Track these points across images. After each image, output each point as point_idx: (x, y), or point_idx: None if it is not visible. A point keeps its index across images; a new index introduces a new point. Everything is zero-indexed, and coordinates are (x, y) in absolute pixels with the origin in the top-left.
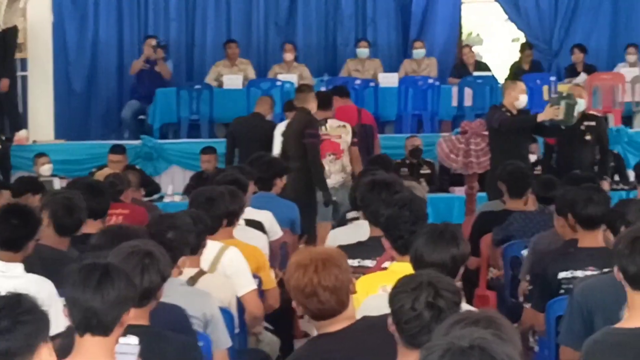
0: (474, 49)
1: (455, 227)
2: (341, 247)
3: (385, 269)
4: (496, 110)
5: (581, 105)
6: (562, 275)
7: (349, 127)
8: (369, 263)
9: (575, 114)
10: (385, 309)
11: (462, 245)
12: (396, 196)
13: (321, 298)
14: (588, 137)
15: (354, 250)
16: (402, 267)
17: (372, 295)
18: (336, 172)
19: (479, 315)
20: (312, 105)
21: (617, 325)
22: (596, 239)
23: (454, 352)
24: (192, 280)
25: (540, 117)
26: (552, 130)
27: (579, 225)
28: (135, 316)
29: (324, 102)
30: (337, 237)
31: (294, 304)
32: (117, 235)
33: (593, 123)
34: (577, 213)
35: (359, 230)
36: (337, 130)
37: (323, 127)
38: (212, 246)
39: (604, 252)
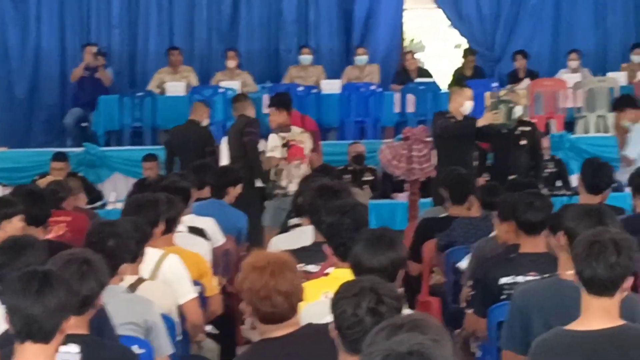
0: (416, 55)
1: (393, 232)
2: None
3: (328, 274)
4: (440, 117)
5: (519, 110)
6: (503, 280)
7: (308, 134)
8: (312, 268)
9: (515, 117)
10: (326, 315)
11: (400, 250)
12: (337, 203)
13: (274, 302)
14: (523, 142)
15: (297, 255)
16: (344, 273)
17: (313, 301)
18: (299, 177)
19: (403, 320)
20: (250, 112)
21: (568, 327)
22: (538, 244)
23: (393, 358)
24: (132, 288)
25: (481, 122)
26: (492, 136)
27: (520, 231)
28: (75, 324)
29: (284, 101)
30: (278, 244)
31: (242, 305)
32: (10, 249)
33: (528, 128)
34: (518, 218)
35: (301, 236)
36: (300, 136)
37: (288, 133)
38: (152, 253)
39: (545, 257)
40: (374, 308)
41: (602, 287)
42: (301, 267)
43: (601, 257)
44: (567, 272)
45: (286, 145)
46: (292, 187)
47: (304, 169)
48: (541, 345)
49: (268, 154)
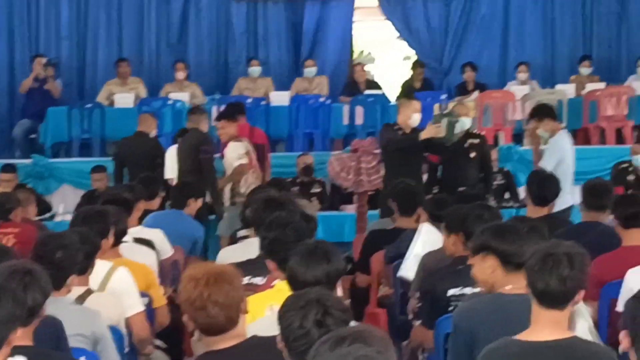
0: (365, 67)
1: (328, 244)
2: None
3: (273, 287)
4: (387, 129)
5: (465, 123)
6: (451, 292)
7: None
8: (259, 281)
9: (457, 131)
10: (272, 331)
11: (335, 262)
12: (278, 217)
13: (210, 312)
14: (472, 155)
15: (244, 267)
16: (287, 286)
17: (259, 318)
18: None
19: (348, 331)
20: (204, 126)
21: (518, 337)
22: None
23: None
24: (81, 299)
25: (423, 135)
26: (440, 148)
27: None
28: (21, 336)
29: (234, 112)
30: (226, 256)
31: (184, 317)
32: None
33: (477, 141)
34: (467, 230)
35: (249, 248)
36: (249, 146)
37: (244, 143)
38: (101, 265)
39: None
40: (320, 320)
41: (554, 300)
42: (247, 279)
43: (554, 271)
44: (506, 287)
45: (248, 153)
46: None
47: (260, 177)
48: (490, 354)
49: (239, 162)
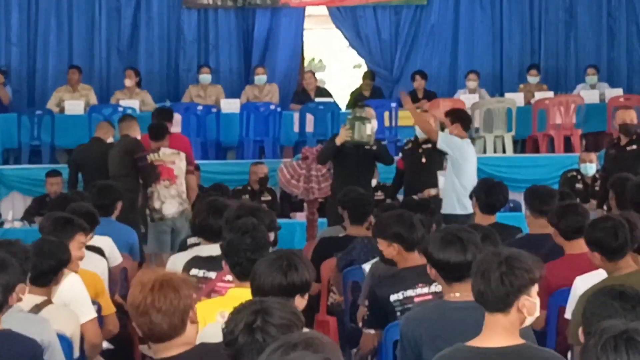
0: (317, 75)
1: (295, 253)
2: (196, 257)
3: (227, 281)
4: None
5: (371, 127)
6: (393, 297)
7: (183, 155)
8: (212, 275)
9: (369, 132)
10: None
11: (301, 272)
12: (239, 221)
13: (152, 318)
14: (423, 160)
15: (204, 262)
16: (241, 293)
17: (210, 323)
18: (171, 197)
19: (297, 338)
20: (136, 133)
21: (469, 343)
22: (416, 259)
23: None
24: (37, 309)
25: (338, 141)
26: (385, 156)
27: (402, 249)
28: None
29: (157, 133)
30: (176, 263)
31: (133, 323)
32: None
33: (429, 145)
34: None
35: (199, 254)
36: (171, 157)
37: (155, 154)
38: None
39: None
40: (252, 327)
41: (492, 303)
42: (202, 273)
43: (491, 274)
44: (452, 295)
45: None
46: (167, 209)
47: (175, 190)
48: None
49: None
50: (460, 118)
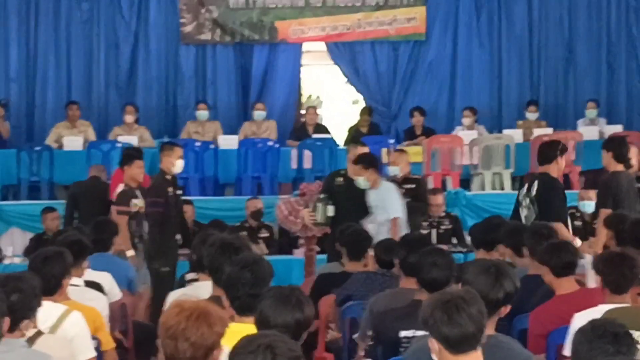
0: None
1: (302, 292)
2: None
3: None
4: (333, 175)
5: (331, 209)
6: (403, 334)
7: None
8: None
9: (330, 214)
10: None
11: (306, 310)
12: (239, 256)
13: (178, 345)
14: (407, 200)
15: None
16: (241, 328)
17: None
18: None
19: None
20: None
21: None
22: None
23: None
24: (30, 342)
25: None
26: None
27: (424, 289)
28: None
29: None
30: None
31: (158, 341)
32: None
33: (413, 185)
34: (422, 277)
35: (197, 291)
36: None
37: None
38: (53, 308)
39: None
40: None
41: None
42: None
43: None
44: None
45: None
46: None
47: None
48: None
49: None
50: (371, 162)
